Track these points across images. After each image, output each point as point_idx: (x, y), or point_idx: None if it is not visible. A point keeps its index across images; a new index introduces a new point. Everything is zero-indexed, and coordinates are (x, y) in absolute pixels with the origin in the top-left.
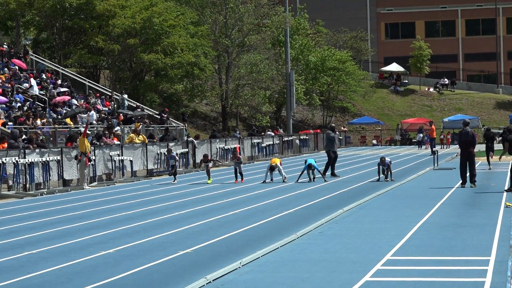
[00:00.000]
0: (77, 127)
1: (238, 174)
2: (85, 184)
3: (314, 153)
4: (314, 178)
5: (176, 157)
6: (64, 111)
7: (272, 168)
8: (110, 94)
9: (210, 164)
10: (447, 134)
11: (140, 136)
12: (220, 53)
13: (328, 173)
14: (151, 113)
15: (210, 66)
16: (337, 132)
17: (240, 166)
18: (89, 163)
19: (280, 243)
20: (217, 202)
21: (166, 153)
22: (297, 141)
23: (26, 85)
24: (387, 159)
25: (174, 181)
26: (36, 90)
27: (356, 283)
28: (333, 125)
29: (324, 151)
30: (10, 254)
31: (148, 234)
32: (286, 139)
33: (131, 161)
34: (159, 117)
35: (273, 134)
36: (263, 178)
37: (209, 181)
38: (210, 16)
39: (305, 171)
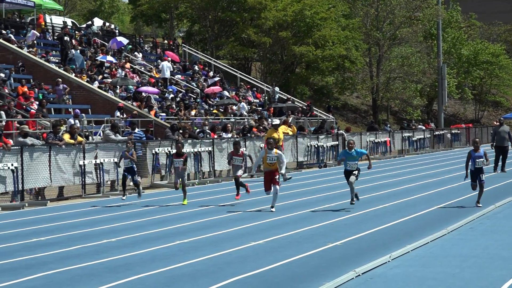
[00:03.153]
0: (228, 119)
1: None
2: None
3: (465, 148)
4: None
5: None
6: (216, 102)
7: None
8: (261, 86)
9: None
10: None
11: (291, 128)
12: (371, 46)
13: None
14: (301, 106)
15: (361, 59)
16: (504, 125)
17: (237, 170)
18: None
19: (430, 237)
20: (366, 196)
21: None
22: (449, 135)
23: (179, 76)
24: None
25: (139, 196)
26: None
27: (508, 280)
28: (502, 119)
29: (490, 146)
30: (162, 243)
31: (298, 226)
32: (437, 133)
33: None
34: (307, 109)
35: (424, 127)
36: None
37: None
38: (361, 8)
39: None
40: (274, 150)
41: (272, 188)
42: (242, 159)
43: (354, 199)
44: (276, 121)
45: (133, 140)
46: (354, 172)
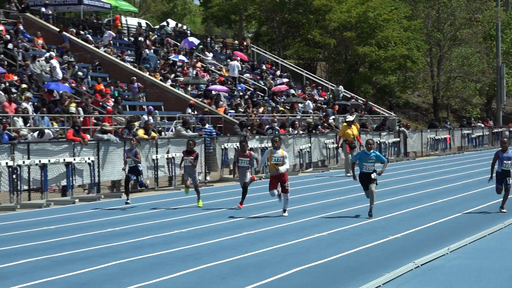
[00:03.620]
0: (294, 116)
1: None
2: (349, 172)
3: None
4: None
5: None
6: (282, 100)
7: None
8: (326, 84)
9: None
10: None
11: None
12: (432, 47)
13: None
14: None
15: (422, 59)
16: None
17: (245, 174)
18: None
19: (487, 231)
20: (426, 190)
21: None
22: (507, 133)
23: (247, 75)
24: None
25: (127, 200)
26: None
27: None
28: None
29: None
30: (230, 234)
31: (360, 219)
32: (495, 130)
33: None
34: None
35: (483, 125)
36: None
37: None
38: (423, 10)
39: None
40: (280, 150)
41: (282, 196)
42: (249, 160)
43: (372, 211)
44: (350, 118)
45: (137, 138)
46: (373, 177)
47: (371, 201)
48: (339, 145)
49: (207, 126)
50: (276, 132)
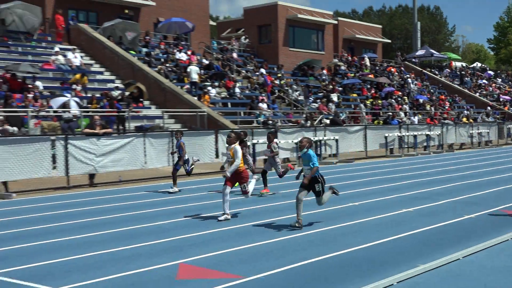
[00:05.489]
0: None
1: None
2: None
3: None
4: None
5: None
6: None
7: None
8: None
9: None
10: None
11: None
12: None
13: None
14: None
15: None
16: None
17: (276, 166)
18: None
19: None
20: None
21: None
22: None
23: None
24: None
25: (174, 188)
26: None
27: None
28: None
29: None
30: (393, 194)
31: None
32: None
33: None
34: None
35: None
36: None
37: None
38: None
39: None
40: (232, 146)
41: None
42: (270, 151)
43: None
44: None
45: (181, 130)
46: (317, 188)
47: (321, 202)
48: None
49: (490, 118)
50: None
